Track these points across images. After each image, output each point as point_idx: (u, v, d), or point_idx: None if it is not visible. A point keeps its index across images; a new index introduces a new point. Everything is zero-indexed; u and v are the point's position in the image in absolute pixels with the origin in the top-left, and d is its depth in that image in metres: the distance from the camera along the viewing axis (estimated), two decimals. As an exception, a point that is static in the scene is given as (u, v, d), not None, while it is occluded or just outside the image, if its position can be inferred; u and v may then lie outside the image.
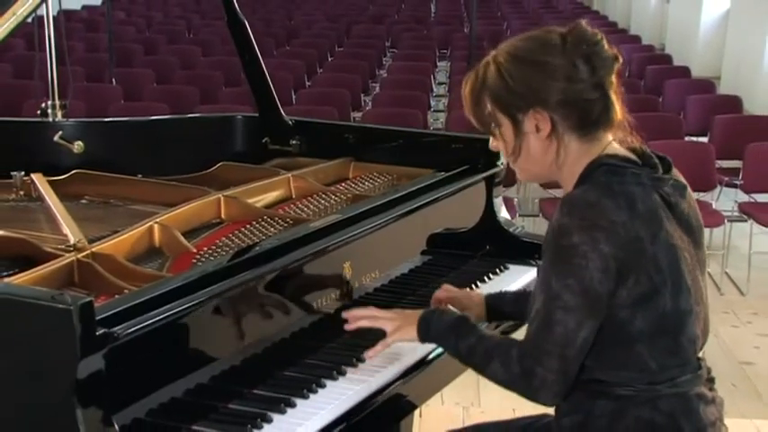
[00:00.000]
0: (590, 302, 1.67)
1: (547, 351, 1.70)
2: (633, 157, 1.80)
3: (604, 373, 1.76)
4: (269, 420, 1.77)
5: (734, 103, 7.34)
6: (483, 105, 1.82)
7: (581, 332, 1.68)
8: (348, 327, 2.02)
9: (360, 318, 2.03)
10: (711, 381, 1.86)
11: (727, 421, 1.85)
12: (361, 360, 1.99)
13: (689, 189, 1.83)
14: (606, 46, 1.77)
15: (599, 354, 1.74)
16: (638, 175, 1.74)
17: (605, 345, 1.73)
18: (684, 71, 8.97)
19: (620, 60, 1.79)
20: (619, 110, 1.79)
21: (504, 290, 2.30)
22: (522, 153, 1.81)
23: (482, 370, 1.83)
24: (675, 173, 1.83)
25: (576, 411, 1.80)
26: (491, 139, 1.89)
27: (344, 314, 2.05)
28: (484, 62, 1.83)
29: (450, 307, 2.16)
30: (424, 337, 1.94)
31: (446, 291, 2.23)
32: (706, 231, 5.98)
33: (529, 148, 1.80)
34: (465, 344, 1.85)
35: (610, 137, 1.81)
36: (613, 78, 1.78)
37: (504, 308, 2.19)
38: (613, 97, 1.78)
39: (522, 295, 2.20)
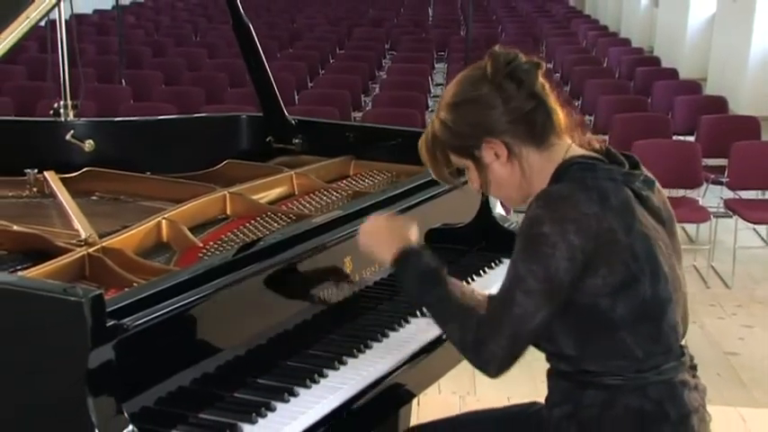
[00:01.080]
0: (551, 289, 1.67)
1: (501, 329, 1.69)
2: (599, 156, 1.80)
3: (592, 363, 1.76)
4: (272, 409, 1.76)
5: (720, 103, 7.33)
6: (442, 160, 1.85)
7: (537, 315, 1.68)
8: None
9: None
10: (694, 368, 1.86)
11: (712, 409, 1.85)
12: None
13: (657, 183, 1.84)
14: (523, 58, 1.79)
15: (585, 344, 1.74)
16: (609, 171, 1.75)
17: (590, 334, 1.73)
18: (672, 73, 8.96)
19: (543, 65, 1.80)
20: (560, 112, 1.79)
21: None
22: (492, 184, 1.83)
23: (442, 325, 1.82)
24: (644, 169, 1.83)
25: (565, 402, 1.80)
26: (470, 182, 1.89)
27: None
28: (430, 123, 1.86)
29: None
30: (395, 269, 1.89)
31: None
32: (693, 227, 6.04)
33: (496, 176, 1.81)
34: (437, 294, 1.81)
35: (568, 140, 1.81)
36: (543, 82, 1.78)
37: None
38: (551, 101, 1.79)
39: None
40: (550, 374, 1.87)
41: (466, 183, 1.92)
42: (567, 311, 1.72)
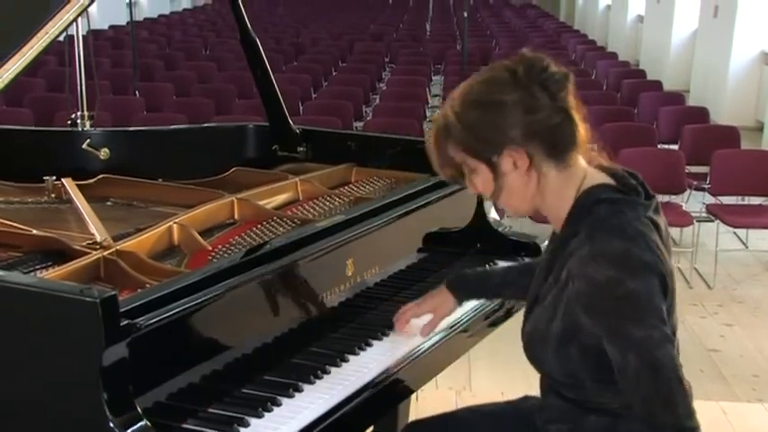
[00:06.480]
0: (669, 329, 1.56)
1: (670, 388, 1.53)
2: (613, 182, 1.66)
3: (605, 397, 1.66)
4: (278, 404, 1.76)
5: (701, 113, 7.35)
6: (451, 155, 1.66)
7: (675, 347, 1.58)
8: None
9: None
10: None
11: (694, 404, 1.84)
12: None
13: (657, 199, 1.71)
14: (555, 67, 1.62)
15: (605, 382, 1.62)
16: (635, 210, 1.61)
17: (613, 375, 1.60)
18: (657, 85, 8.97)
19: (571, 77, 1.64)
20: (582, 129, 1.64)
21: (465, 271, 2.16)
22: (503, 191, 1.66)
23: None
24: (648, 189, 1.70)
25: (563, 420, 1.73)
26: (468, 184, 1.71)
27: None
28: (442, 113, 1.67)
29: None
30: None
31: (408, 309, 2.10)
32: (677, 231, 6.04)
33: (510, 185, 1.64)
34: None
35: (581, 159, 1.66)
36: (571, 98, 1.63)
37: (470, 288, 2.11)
38: (576, 117, 1.63)
39: (482, 274, 2.10)
40: (547, 390, 1.76)
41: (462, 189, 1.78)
42: (599, 354, 1.59)
